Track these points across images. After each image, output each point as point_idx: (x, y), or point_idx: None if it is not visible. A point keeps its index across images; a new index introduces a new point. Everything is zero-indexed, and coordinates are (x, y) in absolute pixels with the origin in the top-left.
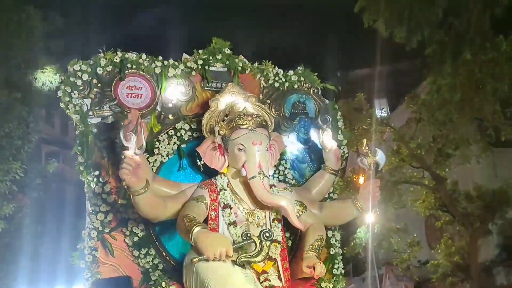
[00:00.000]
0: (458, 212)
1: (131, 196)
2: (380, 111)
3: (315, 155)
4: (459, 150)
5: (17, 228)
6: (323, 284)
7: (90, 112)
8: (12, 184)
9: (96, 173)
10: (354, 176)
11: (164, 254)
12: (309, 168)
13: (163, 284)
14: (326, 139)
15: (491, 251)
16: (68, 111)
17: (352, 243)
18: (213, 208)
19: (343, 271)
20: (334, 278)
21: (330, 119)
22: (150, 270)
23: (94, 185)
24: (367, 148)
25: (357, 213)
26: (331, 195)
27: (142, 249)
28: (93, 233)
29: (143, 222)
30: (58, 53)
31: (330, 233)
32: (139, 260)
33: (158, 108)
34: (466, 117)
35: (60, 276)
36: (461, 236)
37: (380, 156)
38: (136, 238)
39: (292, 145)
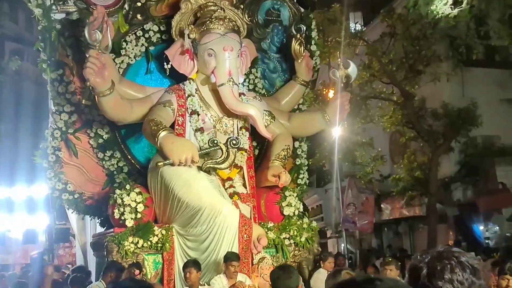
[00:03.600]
0: (423, 129)
1: (96, 97)
2: (355, 24)
3: (287, 65)
4: (430, 67)
5: None
6: (287, 193)
7: (54, 7)
8: None
9: (60, 71)
10: (324, 89)
11: (130, 157)
12: (280, 78)
13: (127, 186)
14: (299, 48)
15: (451, 168)
16: (30, 4)
17: (318, 155)
18: (180, 113)
19: (307, 181)
20: (299, 187)
21: (304, 28)
22: (115, 172)
23: (58, 84)
24: (339, 60)
25: (325, 125)
26: (301, 106)
27: (107, 151)
28: (57, 133)
29: (108, 124)
30: None
31: (297, 144)
32: (104, 162)
33: (126, 6)
34: (440, 34)
35: (21, 174)
36: (424, 153)
37: (352, 69)
38: (101, 140)
39: (264, 54)
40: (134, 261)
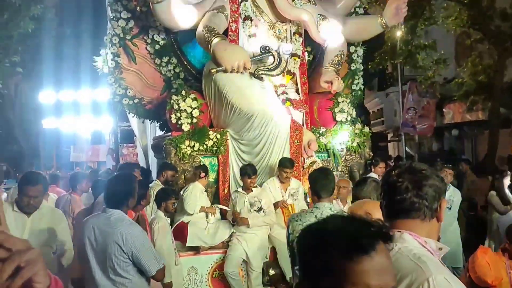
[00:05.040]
0: (490, 31)
1: (150, 4)
2: None
3: None
4: None
5: (46, 29)
6: (340, 99)
7: None
8: None
9: None
10: None
11: (186, 63)
12: None
13: (183, 92)
14: None
15: None
16: None
17: (378, 58)
18: (233, 19)
19: (362, 87)
20: (353, 93)
21: None
22: (172, 78)
23: None
24: None
25: (381, 29)
26: (357, 9)
27: (164, 58)
28: (115, 39)
29: (165, 30)
30: None
31: (352, 49)
32: (161, 68)
33: None
34: None
35: (86, 78)
36: (490, 55)
37: None
38: (157, 46)
39: None
40: (200, 164)
